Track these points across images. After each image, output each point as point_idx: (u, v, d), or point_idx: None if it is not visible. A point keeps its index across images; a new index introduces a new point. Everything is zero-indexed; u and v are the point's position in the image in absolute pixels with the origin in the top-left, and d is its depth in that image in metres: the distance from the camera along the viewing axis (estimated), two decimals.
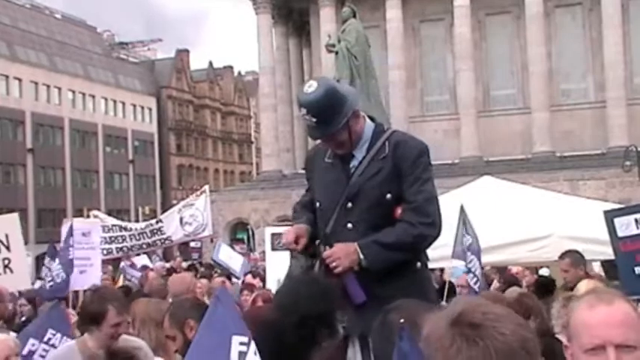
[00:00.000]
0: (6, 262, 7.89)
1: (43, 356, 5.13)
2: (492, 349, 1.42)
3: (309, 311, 2.66)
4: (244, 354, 2.78)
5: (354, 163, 3.66)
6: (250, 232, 23.00)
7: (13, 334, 4.84)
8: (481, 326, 1.45)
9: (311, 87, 3.54)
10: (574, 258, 7.41)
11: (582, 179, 37.15)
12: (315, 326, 2.65)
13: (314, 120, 3.51)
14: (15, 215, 8.88)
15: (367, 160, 3.62)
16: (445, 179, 32.55)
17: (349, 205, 3.60)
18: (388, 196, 3.58)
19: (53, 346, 5.25)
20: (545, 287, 8.92)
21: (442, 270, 12.38)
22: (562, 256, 7.53)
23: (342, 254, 3.46)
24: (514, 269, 12.25)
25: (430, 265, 9.64)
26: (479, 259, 7.69)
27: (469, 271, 7.61)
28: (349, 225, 3.59)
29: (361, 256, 3.47)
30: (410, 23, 43.66)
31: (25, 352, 5.12)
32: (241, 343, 2.80)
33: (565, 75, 42.38)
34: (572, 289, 7.32)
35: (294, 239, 3.59)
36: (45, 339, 5.27)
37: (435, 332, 1.50)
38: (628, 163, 30.53)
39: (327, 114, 3.51)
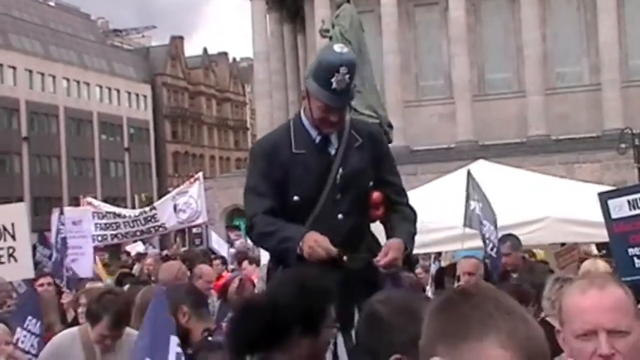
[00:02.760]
0: (10, 250, 7.89)
1: (23, 342, 5.19)
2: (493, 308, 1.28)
3: (292, 306, 2.60)
4: (180, 355, 2.99)
5: (331, 150, 3.55)
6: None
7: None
8: (475, 295, 1.38)
9: (343, 48, 3.49)
10: (513, 242, 7.38)
11: (577, 162, 37.20)
12: (292, 323, 2.61)
13: (348, 83, 3.40)
14: (22, 204, 8.89)
15: (343, 148, 3.53)
16: (441, 163, 32.63)
17: (338, 196, 3.51)
18: (370, 184, 3.59)
19: (29, 331, 5.29)
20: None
21: (439, 255, 12.28)
22: (502, 239, 7.45)
23: (399, 254, 3.41)
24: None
25: (429, 250, 9.58)
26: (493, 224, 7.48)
27: (483, 237, 7.41)
28: (340, 216, 3.51)
29: (408, 250, 3.49)
30: (404, 8, 43.55)
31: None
32: (178, 344, 3.01)
33: (560, 58, 42.35)
34: (513, 271, 7.24)
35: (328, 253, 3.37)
36: (25, 325, 5.33)
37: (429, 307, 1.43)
38: (623, 145, 30.56)
39: (353, 80, 3.47)
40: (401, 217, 3.61)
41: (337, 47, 3.51)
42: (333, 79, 3.37)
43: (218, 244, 17.96)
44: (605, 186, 10.51)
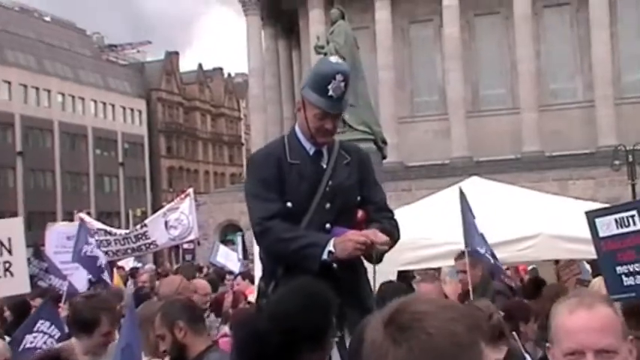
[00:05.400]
0: (7, 265, 7.89)
1: (32, 342, 5.26)
2: (417, 350, 1.43)
3: (300, 325, 2.65)
4: None
5: (323, 163, 3.75)
6: (242, 237, 22.97)
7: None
8: (408, 328, 1.46)
9: (338, 59, 3.79)
10: (471, 258, 7.10)
11: (571, 179, 37.33)
12: (301, 342, 2.65)
13: (343, 91, 3.64)
14: (20, 219, 8.89)
15: (333, 162, 3.75)
16: (435, 180, 32.72)
17: (328, 205, 3.68)
18: (358, 198, 3.79)
19: (42, 332, 5.35)
20: (536, 286, 8.91)
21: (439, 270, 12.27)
22: (461, 255, 7.20)
23: (382, 235, 3.58)
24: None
25: (423, 266, 9.62)
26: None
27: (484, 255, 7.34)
28: (327, 225, 3.65)
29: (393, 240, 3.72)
30: (399, 24, 43.77)
31: (20, 348, 5.28)
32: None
33: (553, 75, 42.55)
34: (470, 290, 6.93)
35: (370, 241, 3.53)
36: (34, 329, 5.39)
37: (370, 334, 1.51)
38: (617, 162, 30.69)
39: (348, 88, 3.70)
40: (374, 224, 3.75)
41: (332, 58, 3.82)
42: (329, 86, 3.60)
43: (226, 257, 17.15)
44: (598, 203, 10.56)
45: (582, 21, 41.66)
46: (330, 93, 3.60)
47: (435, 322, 1.46)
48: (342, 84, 3.61)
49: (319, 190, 3.67)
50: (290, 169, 3.68)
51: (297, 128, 3.81)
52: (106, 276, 9.64)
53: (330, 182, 3.68)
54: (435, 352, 1.43)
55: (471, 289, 6.84)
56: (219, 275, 14.11)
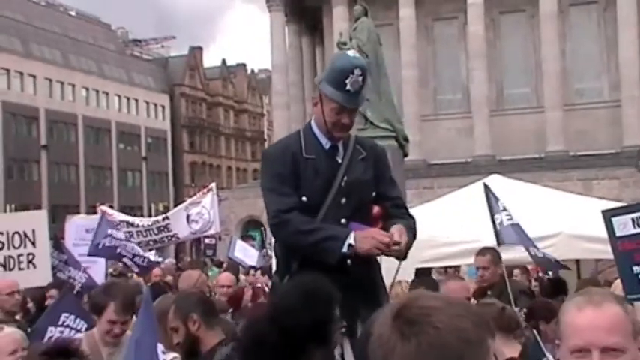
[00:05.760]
0: (30, 257, 8.04)
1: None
2: (425, 345, 1.43)
3: (301, 321, 2.65)
4: None
5: (338, 158, 3.73)
6: (263, 232, 23.14)
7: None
8: (416, 322, 1.46)
9: (356, 53, 3.79)
10: (493, 255, 7.02)
11: (596, 179, 36.99)
12: (305, 337, 2.65)
13: (361, 85, 3.62)
14: (44, 212, 9.04)
15: (348, 157, 3.72)
16: (457, 178, 32.55)
17: (343, 200, 3.66)
18: (374, 194, 3.76)
19: (68, 326, 5.40)
20: (556, 287, 8.84)
21: (457, 268, 12.25)
22: (483, 252, 7.10)
23: (405, 236, 3.58)
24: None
25: (441, 263, 9.53)
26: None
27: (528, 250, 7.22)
28: (343, 220, 3.63)
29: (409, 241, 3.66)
30: (423, 22, 43.59)
31: (45, 340, 5.35)
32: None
33: (579, 74, 42.17)
34: (489, 288, 6.89)
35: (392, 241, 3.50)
36: (59, 322, 5.44)
37: (378, 328, 1.52)
38: None
39: (365, 83, 3.69)
40: (399, 220, 3.73)
41: (350, 52, 3.80)
42: (347, 80, 3.58)
43: (244, 252, 17.03)
44: (622, 203, 10.45)
45: (609, 20, 41.24)
46: (348, 87, 3.58)
47: (443, 317, 1.47)
48: (360, 78, 3.59)
49: (334, 186, 3.64)
50: (305, 164, 3.67)
51: (312, 123, 3.80)
52: (127, 261, 9.69)
53: (345, 178, 3.66)
54: (443, 348, 1.43)
55: (507, 282, 6.80)
56: (235, 269, 14.18)
